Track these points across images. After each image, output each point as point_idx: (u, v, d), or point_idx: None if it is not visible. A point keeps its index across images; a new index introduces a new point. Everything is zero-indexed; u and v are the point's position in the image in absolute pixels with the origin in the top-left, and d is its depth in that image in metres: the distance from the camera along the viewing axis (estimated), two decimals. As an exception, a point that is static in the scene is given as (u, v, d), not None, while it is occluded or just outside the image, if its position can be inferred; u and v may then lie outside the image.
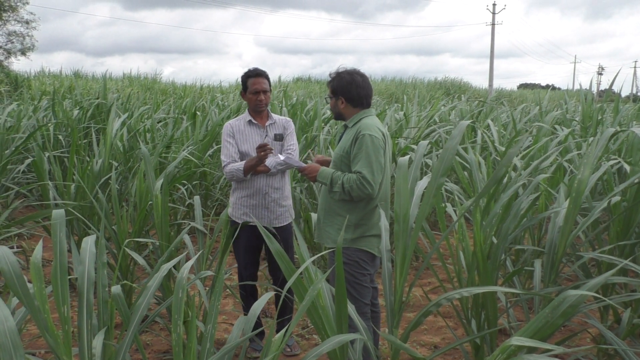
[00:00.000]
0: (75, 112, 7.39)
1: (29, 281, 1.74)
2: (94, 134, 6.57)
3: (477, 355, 2.68)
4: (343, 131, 3.05)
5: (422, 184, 2.71)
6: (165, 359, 3.38)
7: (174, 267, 2.87)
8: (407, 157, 2.50)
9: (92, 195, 4.07)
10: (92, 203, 4.32)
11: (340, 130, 3.07)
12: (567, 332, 3.65)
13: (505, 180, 3.55)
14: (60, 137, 6.72)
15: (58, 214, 1.79)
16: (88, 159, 5.90)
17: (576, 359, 3.10)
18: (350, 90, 2.89)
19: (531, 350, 1.72)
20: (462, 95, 13.29)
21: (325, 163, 3.10)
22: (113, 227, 3.69)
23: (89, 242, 1.92)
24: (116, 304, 1.93)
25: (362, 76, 2.94)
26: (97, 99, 7.98)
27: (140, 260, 3.10)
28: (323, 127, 6.10)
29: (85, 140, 6.84)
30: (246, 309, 3.49)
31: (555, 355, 1.70)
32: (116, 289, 1.98)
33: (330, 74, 3.01)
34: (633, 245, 3.22)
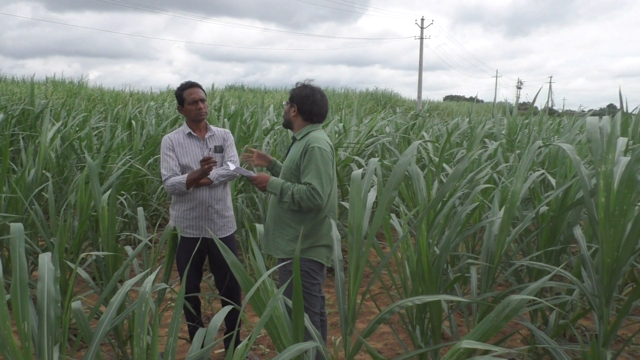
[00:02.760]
0: (0, 116, 7.00)
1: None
2: (22, 141, 6.26)
3: (422, 360, 2.82)
4: (291, 143, 3.13)
5: (372, 196, 2.82)
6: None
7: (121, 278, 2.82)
8: (360, 170, 2.60)
9: (26, 207, 3.90)
10: (26, 215, 4.14)
11: (289, 142, 3.15)
12: (501, 335, 3.89)
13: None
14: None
15: (17, 228, 1.74)
16: (16, 169, 5.62)
17: (511, 359, 3.33)
18: (304, 103, 3.00)
19: (483, 352, 1.85)
20: (397, 108, 13.71)
21: (266, 158, 3.34)
22: (52, 240, 3.56)
23: (45, 258, 1.87)
24: (77, 319, 1.89)
25: (322, 95, 3.05)
26: (24, 103, 7.61)
27: (84, 274, 3.02)
28: (264, 138, 6.13)
29: (12, 148, 6.50)
30: (190, 319, 3.47)
31: (498, 356, 1.84)
32: (77, 304, 1.94)
33: (297, 83, 3.13)
34: (559, 252, 3.50)
